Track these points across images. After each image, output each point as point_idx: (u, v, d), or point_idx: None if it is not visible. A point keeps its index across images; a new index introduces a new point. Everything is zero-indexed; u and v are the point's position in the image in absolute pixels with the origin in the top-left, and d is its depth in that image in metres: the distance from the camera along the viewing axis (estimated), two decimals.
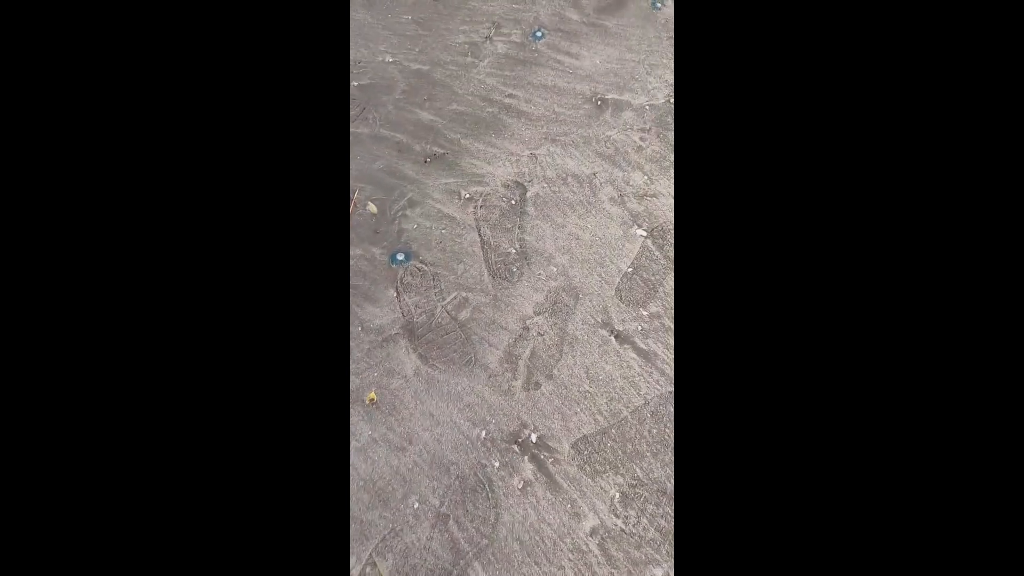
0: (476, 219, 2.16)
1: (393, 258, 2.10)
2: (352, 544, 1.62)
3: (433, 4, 2.78)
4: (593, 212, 2.17)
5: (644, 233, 2.11)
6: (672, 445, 1.72)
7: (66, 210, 0.79)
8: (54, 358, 0.77)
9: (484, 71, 2.55)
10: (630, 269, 2.04)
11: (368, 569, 1.59)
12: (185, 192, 0.82)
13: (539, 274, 2.04)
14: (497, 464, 1.71)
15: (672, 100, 2.43)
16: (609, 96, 2.45)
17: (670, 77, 2.50)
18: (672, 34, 2.63)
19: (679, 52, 0.93)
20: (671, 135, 2.34)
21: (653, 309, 1.96)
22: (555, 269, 2.05)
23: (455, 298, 2.00)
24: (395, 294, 2.02)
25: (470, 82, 2.51)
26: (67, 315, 0.78)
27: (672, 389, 1.80)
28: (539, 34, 2.64)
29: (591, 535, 1.61)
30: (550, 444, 1.74)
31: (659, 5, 2.72)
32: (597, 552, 1.58)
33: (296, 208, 0.85)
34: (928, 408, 0.78)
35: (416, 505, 1.66)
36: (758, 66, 0.87)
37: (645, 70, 2.53)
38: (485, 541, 1.61)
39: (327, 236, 0.86)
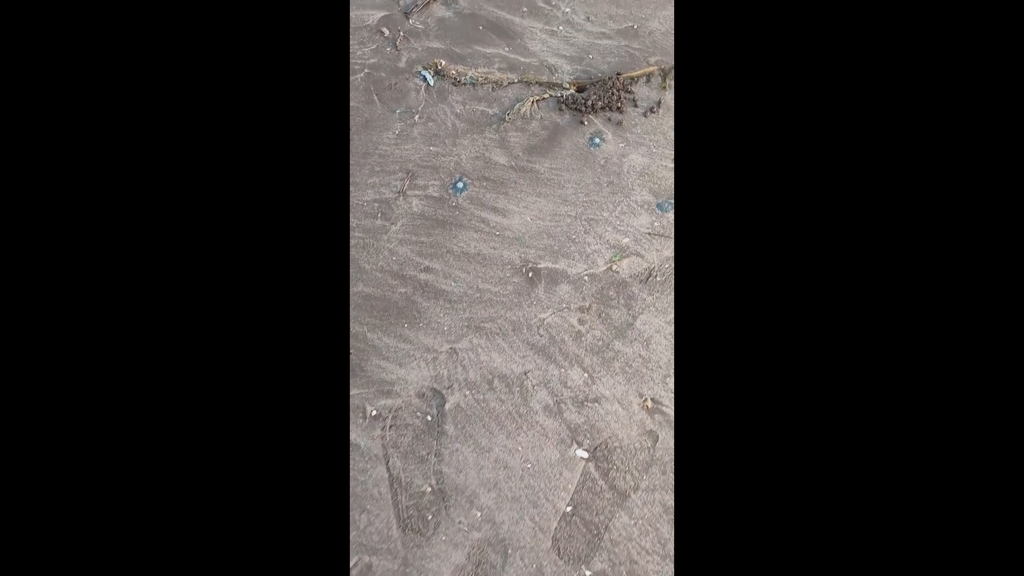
0: (384, 445, 1.80)
1: None
2: None
3: None
4: (524, 428, 1.82)
5: (585, 454, 1.77)
6: None
7: (58, 214, 0.82)
8: (44, 369, 0.79)
9: (396, 237, 2.19)
10: (569, 508, 1.69)
11: None
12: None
13: (459, 522, 1.68)
14: None
15: (614, 267, 2.11)
16: (542, 265, 2.12)
17: (611, 236, 2.18)
18: (612, 179, 2.31)
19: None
20: (614, 313, 2.01)
21: (598, 567, 1.61)
22: (479, 514, 1.69)
23: (356, 566, 1.63)
24: None
25: (379, 254, 2.15)
26: (57, 333, 0.80)
27: None
28: (460, 185, 2.29)
29: None
30: None
31: (597, 142, 2.40)
32: None
33: None
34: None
35: None
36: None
37: (583, 227, 2.20)
38: None
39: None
